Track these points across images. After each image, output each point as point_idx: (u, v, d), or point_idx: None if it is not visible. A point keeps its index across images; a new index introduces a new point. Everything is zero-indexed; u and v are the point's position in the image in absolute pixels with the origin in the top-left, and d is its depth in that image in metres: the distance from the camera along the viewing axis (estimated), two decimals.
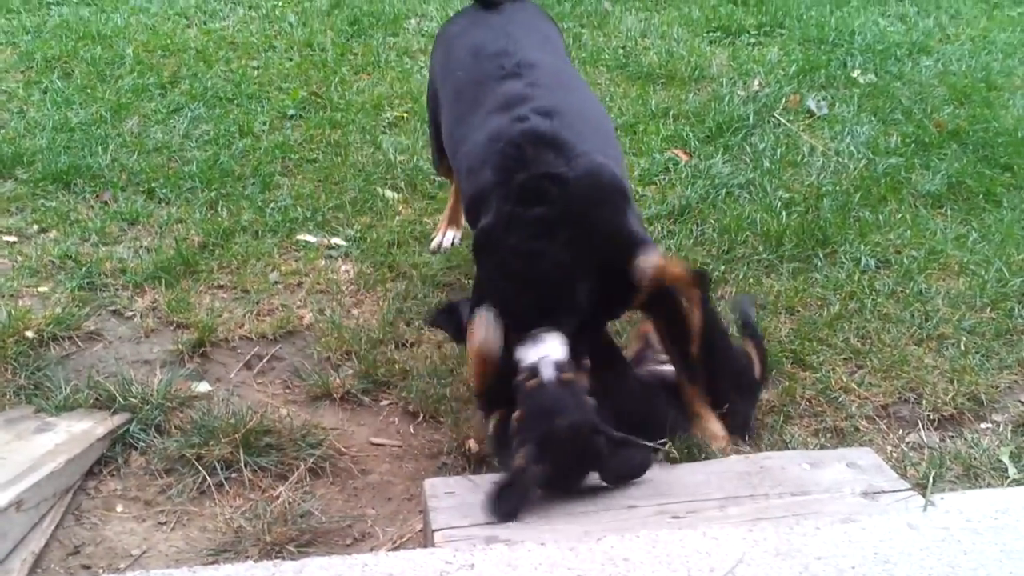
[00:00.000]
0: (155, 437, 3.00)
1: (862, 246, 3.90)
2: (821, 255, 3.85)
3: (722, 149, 4.53)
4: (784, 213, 4.08)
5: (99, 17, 5.35)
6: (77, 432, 2.97)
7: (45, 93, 4.68)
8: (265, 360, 3.37)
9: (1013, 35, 5.63)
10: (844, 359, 3.35)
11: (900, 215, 4.09)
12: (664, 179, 4.35)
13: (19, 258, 3.69)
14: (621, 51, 5.32)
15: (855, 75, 5.14)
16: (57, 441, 2.91)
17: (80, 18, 5.32)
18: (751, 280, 3.71)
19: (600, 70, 5.18)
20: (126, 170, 4.19)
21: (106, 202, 4.02)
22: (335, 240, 3.93)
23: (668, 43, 5.41)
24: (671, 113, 4.79)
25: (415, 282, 3.71)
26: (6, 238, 3.80)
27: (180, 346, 3.36)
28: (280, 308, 3.57)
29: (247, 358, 3.37)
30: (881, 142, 4.58)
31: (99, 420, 3.04)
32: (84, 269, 3.63)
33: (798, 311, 3.57)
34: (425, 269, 3.77)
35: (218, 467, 2.91)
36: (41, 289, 3.55)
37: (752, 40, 5.49)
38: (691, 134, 4.62)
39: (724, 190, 4.23)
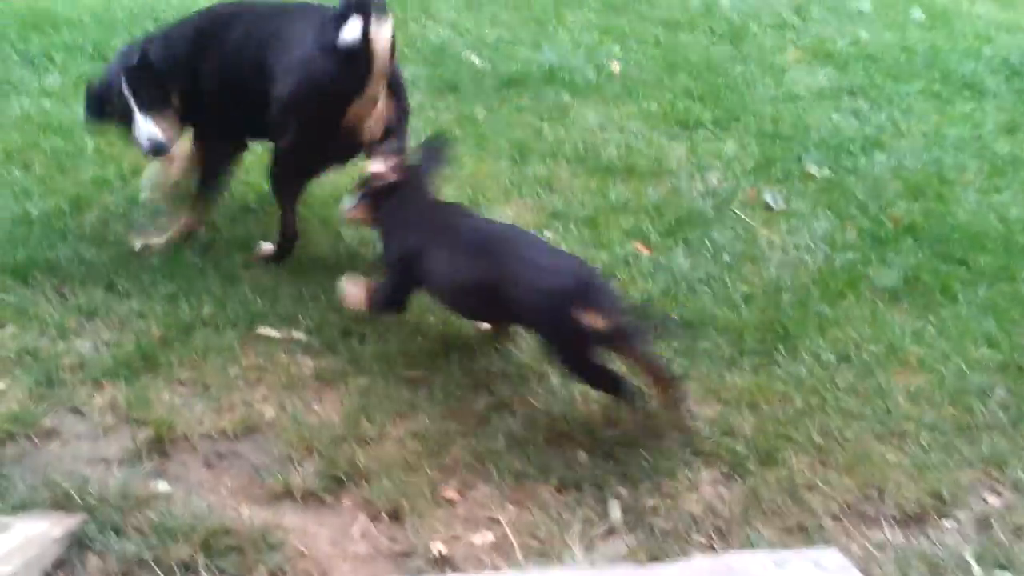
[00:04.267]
0: (113, 539, 2.94)
1: (822, 341, 3.94)
2: (782, 350, 3.87)
3: (682, 243, 4.57)
4: (744, 308, 4.12)
5: (60, 108, 5.34)
6: (33, 534, 2.91)
7: (4, 184, 4.65)
8: (225, 458, 3.33)
9: (964, 130, 5.75)
10: (807, 456, 3.37)
11: (859, 310, 4.14)
12: (625, 273, 4.37)
13: None
14: (581, 144, 5.38)
15: (810, 170, 5.22)
16: (12, 544, 2.85)
17: (41, 109, 5.31)
18: (714, 376, 3.73)
19: (560, 163, 5.23)
20: (85, 263, 4.16)
21: (64, 295, 3.99)
22: (295, 333, 3.91)
23: (627, 136, 5.48)
24: (631, 206, 4.84)
25: (377, 377, 3.69)
26: None
27: (139, 444, 3.32)
28: (241, 404, 3.54)
29: (207, 456, 3.33)
30: (838, 237, 4.64)
31: (56, 521, 2.97)
32: (42, 364, 3.59)
33: (761, 407, 3.59)
34: (387, 364, 3.75)
35: (177, 570, 2.86)
36: None
37: (709, 134, 5.57)
38: (651, 228, 4.67)
39: (685, 284, 4.27)
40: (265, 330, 3.90)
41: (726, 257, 4.47)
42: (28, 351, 3.67)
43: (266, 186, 4.74)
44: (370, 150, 4.09)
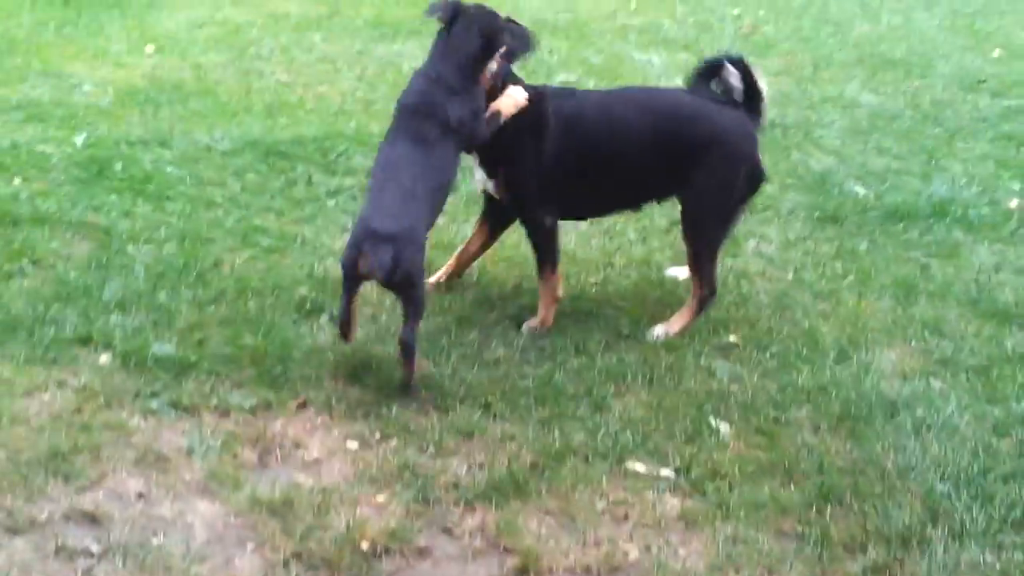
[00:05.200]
0: None
1: None
2: None
3: None
4: None
5: (449, 227, 5.59)
6: None
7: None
8: None
9: None
10: None
11: None
12: (1022, 432, 4.04)
13: (361, 465, 3.82)
14: (973, 285, 5.07)
15: None
16: None
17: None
18: None
19: (949, 304, 4.94)
20: (465, 382, 4.30)
21: (444, 412, 4.13)
22: (663, 471, 3.85)
23: None
24: None
25: (743, 525, 3.57)
26: (350, 443, 3.95)
27: (505, 571, 3.35)
28: (606, 540, 3.51)
29: None
30: None
31: None
32: (420, 481, 3.72)
33: None
34: (757, 511, 3.62)
35: None
36: (379, 499, 3.64)
37: None
38: None
39: None
40: (633, 464, 3.88)
41: None
42: (408, 466, 3.81)
43: (638, 314, 4.77)
44: None
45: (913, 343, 4.65)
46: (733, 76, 4.74)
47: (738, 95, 4.75)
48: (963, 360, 4.46)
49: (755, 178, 4.81)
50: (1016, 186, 6.05)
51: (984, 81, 7.63)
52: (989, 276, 5.18)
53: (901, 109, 7.23)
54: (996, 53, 8.25)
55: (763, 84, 4.78)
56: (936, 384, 4.34)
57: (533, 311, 4.80)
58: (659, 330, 4.72)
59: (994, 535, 3.55)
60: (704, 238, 4.79)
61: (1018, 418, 4.12)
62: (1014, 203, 5.80)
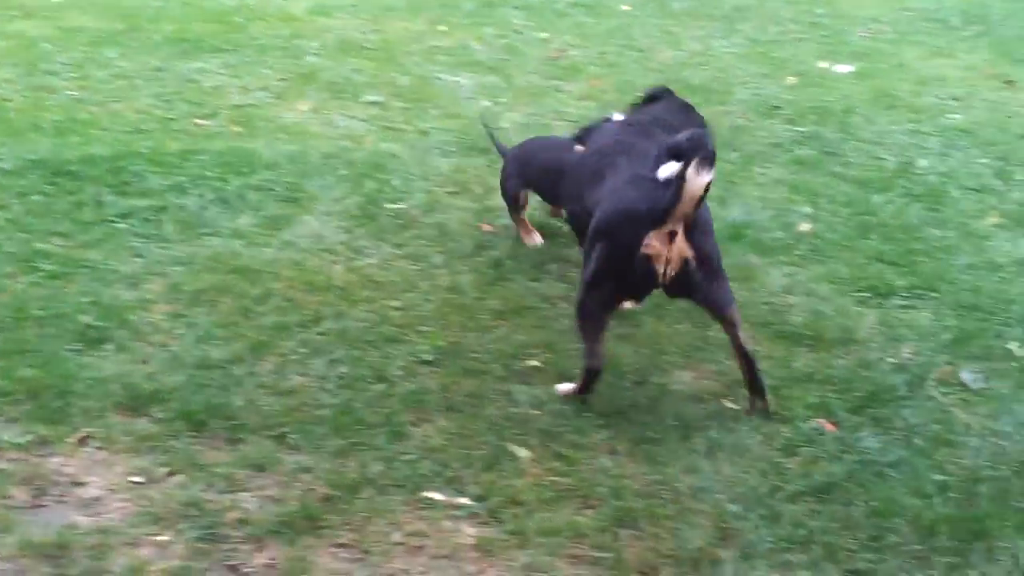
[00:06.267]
0: None
1: (1021, 542, 3.62)
2: (978, 549, 3.58)
3: (871, 421, 4.32)
4: (938, 499, 3.84)
5: (250, 250, 5.46)
6: None
7: (189, 327, 4.74)
8: None
9: None
10: None
11: None
12: (808, 451, 4.15)
13: (144, 502, 3.66)
14: (765, 308, 5.20)
15: (1012, 347, 4.90)
16: None
17: (231, 251, 5.42)
18: (902, 574, 3.46)
19: (744, 327, 5.04)
20: (259, 412, 4.18)
21: (235, 445, 4.00)
22: (461, 500, 3.81)
23: (815, 301, 5.26)
24: (816, 378, 4.62)
25: (540, 552, 3.56)
26: (133, 479, 3.79)
27: None
28: (400, 573, 3.44)
29: None
30: None
31: None
32: (207, 519, 3.58)
33: None
34: (553, 538, 3.61)
35: None
36: (161, 538, 3.49)
37: (903, 303, 5.30)
38: (837, 403, 4.44)
39: (873, 468, 4.02)
40: (431, 494, 3.82)
41: (918, 440, 4.20)
42: (195, 503, 3.67)
43: (440, 340, 4.73)
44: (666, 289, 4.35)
45: (710, 365, 4.73)
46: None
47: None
48: None
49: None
50: (807, 209, 6.24)
51: (779, 108, 7.88)
52: (781, 298, 5.31)
53: None
54: (790, 80, 8.54)
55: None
56: (729, 405, 4.42)
57: (333, 337, 4.71)
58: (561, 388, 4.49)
59: (780, 554, 3.62)
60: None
61: (804, 437, 4.22)
62: (805, 226, 5.98)
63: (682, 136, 4.24)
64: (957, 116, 7.89)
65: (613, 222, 4.30)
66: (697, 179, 4.01)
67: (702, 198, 4.11)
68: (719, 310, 4.42)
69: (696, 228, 4.20)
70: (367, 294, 5.16)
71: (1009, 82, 8.70)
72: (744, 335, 4.41)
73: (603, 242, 4.32)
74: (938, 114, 7.90)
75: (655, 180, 4.20)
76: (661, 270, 4.18)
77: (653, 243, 4.14)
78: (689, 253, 4.18)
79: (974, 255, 5.76)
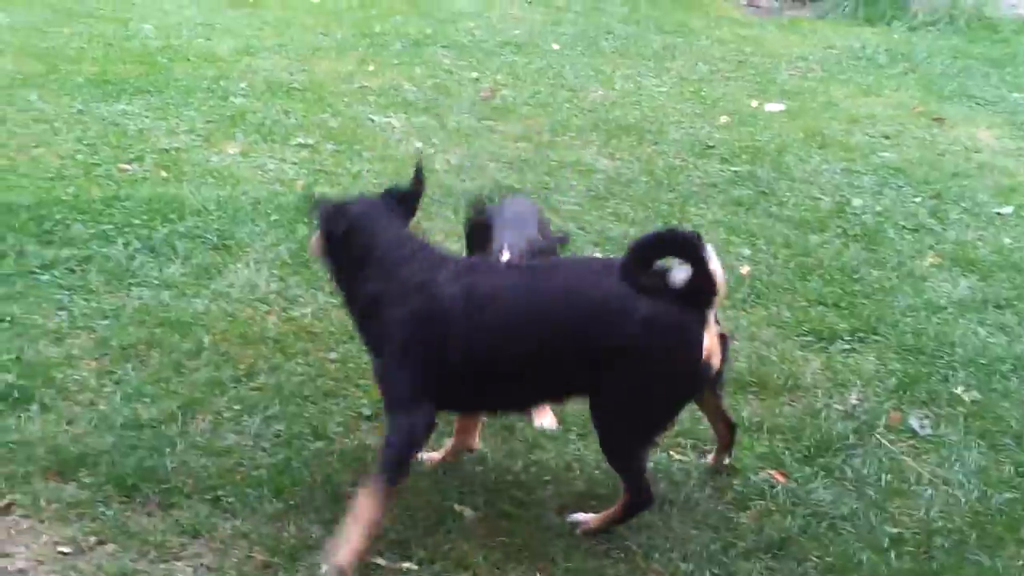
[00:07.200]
0: None
1: None
2: None
3: (822, 472, 4.26)
4: (892, 553, 3.78)
5: (180, 301, 5.27)
6: None
7: (117, 384, 4.55)
8: None
9: None
10: None
11: (1020, 562, 3.75)
12: (760, 504, 4.07)
13: (72, 575, 3.47)
14: None
15: (958, 391, 4.88)
16: None
17: (160, 302, 5.24)
18: None
19: None
20: (193, 475, 4.00)
21: (168, 510, 3.82)
22: (406, 564, 3.67)
23: (757, 347, 5.20)
24: (764, 427, 4.55)
25: None
26: (61, 549, 3.60)
27: None
28: None
29: None
30: (992, 471, 4.29)
31: None
32: None
33: None
34: None
35: None
36: None
37: (846, 347, 5.27)
38: (787, 453, 4.37)
39: (826, 521, 3.96)
40: (374, 558, 3.67)
41: (870, 491, 4.15)
42: (126, 574, 3.49)
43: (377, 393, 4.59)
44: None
45: None
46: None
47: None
48: (702, 432, 4.46)
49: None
50: (746, 251, 6.20)
51: (712, 147, 7.86)
52: None
53: (636, 175, 7.33)
54: (723, 120, 8.54)
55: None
56: (677, 457, 4.33)
57: (269, 392, 4.56)
58: (579, 517, 3.97)
59: None
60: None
61: (755, 490, 4.14)
62: (745, 269, 5.94)
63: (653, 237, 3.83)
64: (889, 154, 7.92)
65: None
66: (713, 258, 3.62)
67: None
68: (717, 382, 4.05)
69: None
70: (303, 346, 5.01)
71: (938, 119, 8.77)
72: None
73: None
74: (870, 152, 7.93)
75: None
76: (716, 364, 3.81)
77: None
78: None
79: (914, 296, 5.75)
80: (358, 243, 3.92)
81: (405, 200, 4.11)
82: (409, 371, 3.77)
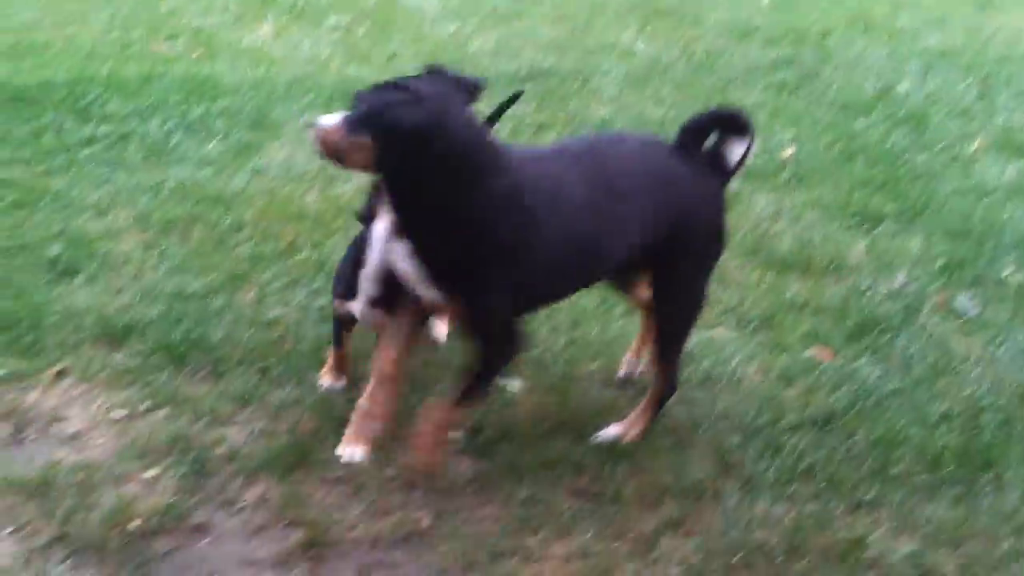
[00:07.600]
0: None
1: None
2: (985, 479, 3.52)
3: (868, 351, 4.24)
4: (942, 428, 3.77)
5: (218, 179, 5.26)
6: None
7: (161, 257, 4.55)
8: (380, 568, 3.11)
9: None
10: None
11: None
12: (805, 381, 4.06)
13: (128, 438, 3.51)
14: (752, 235, 5.08)
15: (1005, 275, 4.83)
16: None
17: (199, 179, 5.23)
18: (909, 506, 3.40)
19: (732, 253, 4.93)
20: (240, 345, 4.02)
21: (218, 378, 3.84)
22: (452, 434, 3.68)
23: (802, 229, 5.16)
24: (810, 306, 4.52)
25: (540, 485, 3.44)
26: (115, 414, 3.63)
27: (291, 546, 3.14)
28: (396, 509, 3.32)
29: (360, 564, 3.11)
30: None
31: None
32: (194, 454, 3.44)
33: (963, 546, 3.24)
34: (550, 471, 3.50)
35: None
36: (148, 474, 3.35)
37: (892, 229, 5.21)
38: (833, 332, 4.35)
39: (872, 397, 3.95)
40: None
41: (918, 369, 4.13)
42: (181, 438, 3.52)
43: None
44: None
45: None
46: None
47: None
48: (747, 310, 4.45)
49: None
50: (788, 135, 6.13)
51: (755, 30, 7.73)
52: (768, 225, 5.20)
53: (675, 58, 7.23)
54: (766, 2, 8.39)
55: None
56: (722, 334, 4.32)
57: (311, 267, 4.55)
58: (613, 430, 3.77)
59: (784, 486, 3.53)
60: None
61: (801, 367, 4.13)
62: (787, 152, 5.87)
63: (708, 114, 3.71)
64: (935, 39, 7.78)
65: None
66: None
67: None
68: None
69: None
70: (343, 222, 4.99)
71: (985, 4, 8.59)
72: None
73: None
74: (915, 36, 7.78)
75: None
76: None
77: None
78: None
79: (961, 179, 5.69)
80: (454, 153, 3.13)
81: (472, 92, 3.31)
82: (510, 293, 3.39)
